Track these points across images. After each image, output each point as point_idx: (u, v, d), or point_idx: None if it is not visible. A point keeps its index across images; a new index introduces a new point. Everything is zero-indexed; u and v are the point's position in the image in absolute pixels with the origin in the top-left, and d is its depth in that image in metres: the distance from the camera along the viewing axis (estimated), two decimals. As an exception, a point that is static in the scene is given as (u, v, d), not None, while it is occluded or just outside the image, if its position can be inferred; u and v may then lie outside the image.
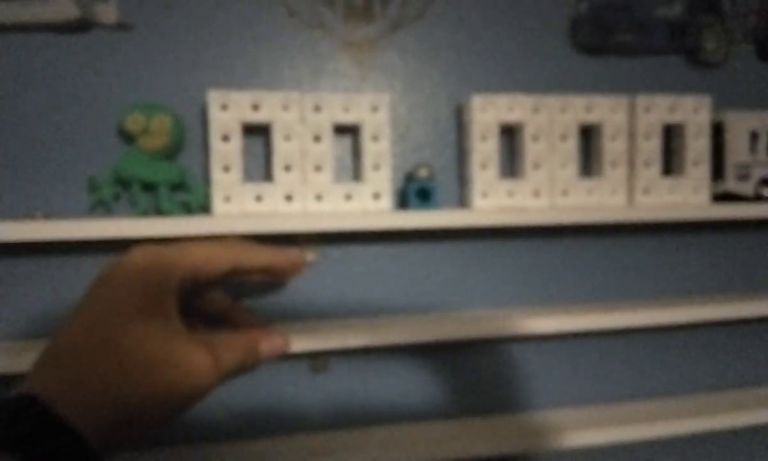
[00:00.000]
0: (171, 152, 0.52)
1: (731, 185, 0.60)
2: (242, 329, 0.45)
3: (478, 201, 0.56)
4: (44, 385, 0.32)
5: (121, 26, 0.53)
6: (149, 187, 0.51)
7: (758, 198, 0.61)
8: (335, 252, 0.57)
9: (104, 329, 0.34)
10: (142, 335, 0.35)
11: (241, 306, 0.46)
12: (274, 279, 0.55)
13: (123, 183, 0.52)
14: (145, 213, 0.51)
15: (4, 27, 0.51)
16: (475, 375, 0.61)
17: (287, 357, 0.55)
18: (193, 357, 0.36)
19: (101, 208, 0.53)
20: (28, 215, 0.50)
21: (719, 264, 0.66)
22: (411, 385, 0.60)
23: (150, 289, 0.36)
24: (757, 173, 0.61)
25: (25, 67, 0.52)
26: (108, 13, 0.53)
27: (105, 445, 0.32)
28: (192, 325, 0.39)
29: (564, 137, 0.57)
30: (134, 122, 0.50)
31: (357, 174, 0.56)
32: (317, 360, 0.58)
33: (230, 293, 0.45)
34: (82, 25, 0.53)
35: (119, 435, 0.34)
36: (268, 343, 0.43)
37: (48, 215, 0.50)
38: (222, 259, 0.41)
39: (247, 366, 0.41)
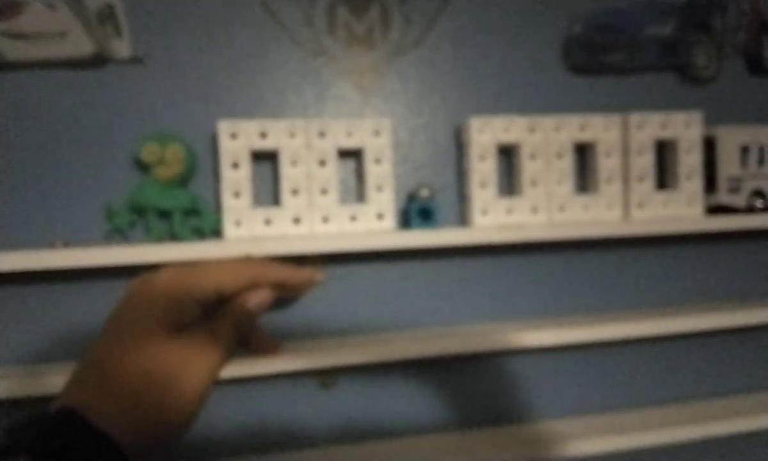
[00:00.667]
0: (184, 180, 0.54)
1: (724, 197, 0.62)
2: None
3: (478, 219, 0.58)
4: (79, 398, 0.35)
5: (134, 60, 0.56)
6: (163, 214, 0.54)
7: (750, 210, 0.63)
8: (342, 271, 0.60)
9: (131, 344, 0.38)
10: (165, 347, 0.38)
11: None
12: (287, 295, 0.58)
13: (138, 211, 0.54)
14: (159, 239, 0.54)
15: (24, 64, 0.54)
16: (479, 388, 0.63)
17: (297, 374, 0.58)
18: (204, 353, 0.40)
19: (118, 235, 0.55)
20: (48, 243, 0.53)
21: (714, 274, 0.68)
22: (418, 399, 0.62)
23: (172, 305, 0.40)
24: (749, 186, 0.63)
25: (45, 102, 0.54)
26: (122, 49, 0.56)
27: (135, 452, 0.35)
28: None
29: (560, 155, 0.59)
30: (149, 153, 0.52)
31: (361, 196, 0.59)
32: (326, 376, 0.60)
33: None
34: (97, 61, 0.55)
35: (148, 440, 0.37)
36: (255, 297, 0.45)
37: (67, 243, 0.53)
38: (241, 277, 0.45)
39: (243, 326, 0.44)
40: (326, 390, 0.60)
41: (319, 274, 0.56)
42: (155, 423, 0.37)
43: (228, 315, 0.44)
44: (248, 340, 0.50)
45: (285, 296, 0.58)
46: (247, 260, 0.48)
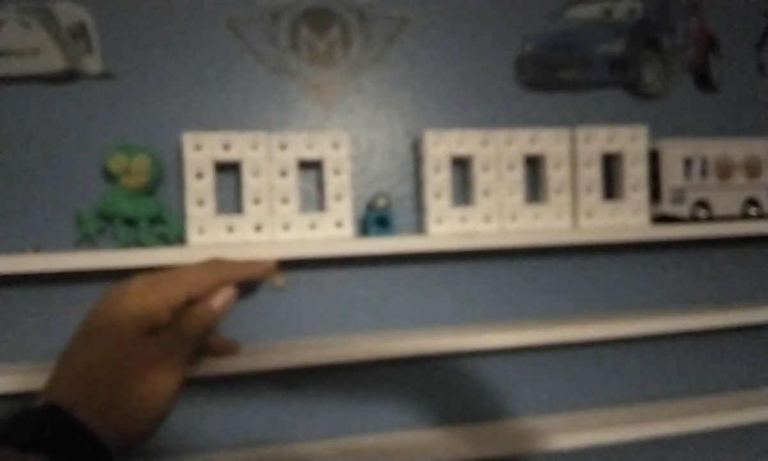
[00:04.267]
0: (150, 189, 0.57)
1: (668, 207, 0.66)
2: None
3: (434, 227, 0.61)
4: (63, 396, 0.39)
5: (104, 76, 0.59)
6: (130, 221, 0.57)
7: (694, 219, 0.66)
8: (302, 277, 0.62)
9: (110, 349, 0.41)
10: (144, 356, 0.42)
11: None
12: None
13: (106, 218, 0.57)
14: (126, 245, 0.56)
15: (0, 78, 0.57)
16: (435, 388, 0.66)
17: (262, 375, 0.60)
18: (172, 352, 0.44)
19: (87, 241, 0.58)
20: (19, 249, 0.56)
21: (658, 281, 0.71)
22: (379, 398, 0.64)
23: (147, 314, 0.43)
24: (692, 196, 0.66)
25: (18, 115, 0.57)
26: (93, 64, 0.58)
27: (115, 450, 0.39)
28: None
29: (511, 167, 0.62)
30: (117, 163, 0.55)
31: (321, 205, 0.62)
32: (289, 376, 0.63)
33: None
34: (69, 76, 0.58)
35: (126, 438, 0.40)
36: (219, 297, 0.48)
37: (38, 249, 0.56)
38: (209, 280, 0.48)
39: (209, 327, 0.47)
40: (290, 389, 0.63)
41: (280, 281, 0.59)
42: (133, 422, 0.41)
43: (194, 317, 0.46)
44: (207, 343, 0.53)
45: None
46: (212, 262, 0.50)
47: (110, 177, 0.56)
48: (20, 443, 0.35)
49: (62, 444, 0.36)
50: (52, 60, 0.58)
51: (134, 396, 0.41)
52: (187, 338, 0.46)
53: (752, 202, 0.68)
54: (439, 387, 0.66)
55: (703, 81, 0.74)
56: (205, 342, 0.52)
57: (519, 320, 0.67)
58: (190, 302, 0.47)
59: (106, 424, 0.39)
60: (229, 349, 0.55)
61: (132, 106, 0.59)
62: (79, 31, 0.58)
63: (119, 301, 0.43)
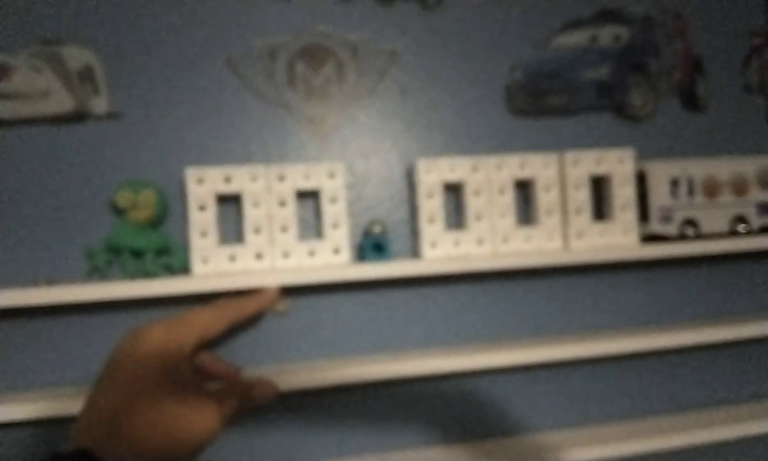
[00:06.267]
0: (156, 222, 0.60)
1: (656, 226, 0.67)
2: (233, 379, 0.55)
3: (428, 251, 0.63)
4: (93, 440, 0.41)
5: (111, 116, 0.62)
6: (137, 253, 0.59)
7: (682, 237, 0.68)
8: (302, 303, 0.65)
9: (136, 398, 0.43)
10: (166, 399, 0.44)
11: (216, 357, 0.55)
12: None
13: (115, 251, 0.59)
14: (134, 276, 0.59)
15: (10, 121, 0.60)
16: (429, 408, 0.68)
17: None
18: (206, 409, 0.46)
19: (97, 273, 0.60)
20: (33, 282, 0.59)
21: (649, 298, 0.73)
22: (377, 419, 0.66)
23: (168, 362, 0.46)
24: (680, 215, 0.68)
25: (30, 154, 0.60)
26: (100, 105, 0.62)
27: None
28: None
29: (502, 191, 0.65)
30: (124, 198, 0.58)
31: (319, 232, 0.64)
32: (290, 399, 0.65)
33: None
34: (77, 116, 0.61)
35: None
36: (259, 390, 0.53)
37: (50, 281, 0.58)
38: (221, 321, 0.53)
39: (243, 409, 0.51)
40: (289, 411, 0.65)
41: (281, 306, 0.62)
42: None
43: (236, 395, 0.50)
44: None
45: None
46: (222, 303, 0.54)
47: (118, 212, 0.59)
48: None
49: None
50: (62, 102, 0.61)
51: (160, 437, 0.43)
52: (224, 408, 0.48)
53: (740, 219, 0.69)
54: (437, 407, 0.68)
55: (690, 102, 0.76)
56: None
57: (513, 339, 0.69)
58: (203, 345, 0.51)
59: None
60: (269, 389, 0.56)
61: (137, 144, 0.62)
62: (87, 74, 0.61)
63: (138, 347, 0.46)
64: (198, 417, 0.45)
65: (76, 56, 0.61)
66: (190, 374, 0.47)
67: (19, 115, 0.60)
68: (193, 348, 0.49)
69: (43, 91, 0.61)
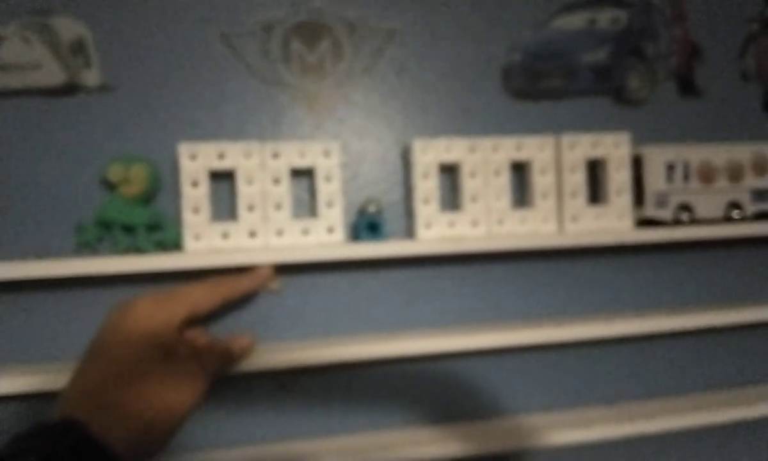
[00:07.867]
0: (147, 198, 0.59)
1: (651, 211, 0.67)
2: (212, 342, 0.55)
3: (423, 232, 0.63)
4: (78, 411, 0.41)
5: (103, 88, 0.61)
6: (128, 228, 0.59)
7: (676, 222, 0.68)
8: (295, 282, 0.64)
9: (124, 368, 0.44)
10: (153, 371, 0.45)
11: (205, 331, 0.55)
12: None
13: (106, 226, 0.59)
14: (125, 252, 0.58)
15: (2, 92, 0.59)
16: (422, 388, 0.68)
17: (255, 376, 0.62)
18: (191, 380, 0.47)
19: (87, 248, 0.60)
20: (22, 256, 0.58)
21: (643, 283, 0.73)
22: (371, 398, 0.66)
23: (156, 335, 0.46)
24: (675, 200, 0.68)
25: (19, 127, 0.59)
26: (91, 78, 0.61)
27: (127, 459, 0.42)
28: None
29: (497, 173, 0.64)
30: (115, 173, 0.57)
31: (313, 211, 0.64)
32: (283, 377, 0.65)
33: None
34: (68, 89, 0.60)
35: (139, 455, 0.43)
36: (238, 342, 0.54)
37: (40, 255, 0.58)
38: (212, 298, 0.53)
39: (225, 366, 0.52)
40: (283, 390, 0.65)
41: (274, 285, 0.61)
42: (147, 441, 0.44)
43: (214, 353, 0.51)
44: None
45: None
46: (214, 281, 0.54)
47: (109, 186, 0.58)
48: (41, 455, 0.37)
49: (80, 458, 0.38)
50: (52, 74, 0.60)
51: (146, 410, 0.43)
52: (206, 369, 0.50)
53: (735, 205, 0.70)
54: (430, 387, 0.68)
55: (687, 88, 0.76)
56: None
57: (507, 321, 0.69)
58: (193, 320, 0.51)
59: (123, 442, 0.41)
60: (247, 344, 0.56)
61: (129, 118, 0.61)
62: (78, 46, 0.60)
63: (126, 320, 0.46)
64: (184, 389, 0.46)
65: (67, 28, 0.60)
66: (177, 347, 0.47)
67: (9, 87, 0.59)
68: (182, 322, 0.49)
69: (34, 62, 0.60)
